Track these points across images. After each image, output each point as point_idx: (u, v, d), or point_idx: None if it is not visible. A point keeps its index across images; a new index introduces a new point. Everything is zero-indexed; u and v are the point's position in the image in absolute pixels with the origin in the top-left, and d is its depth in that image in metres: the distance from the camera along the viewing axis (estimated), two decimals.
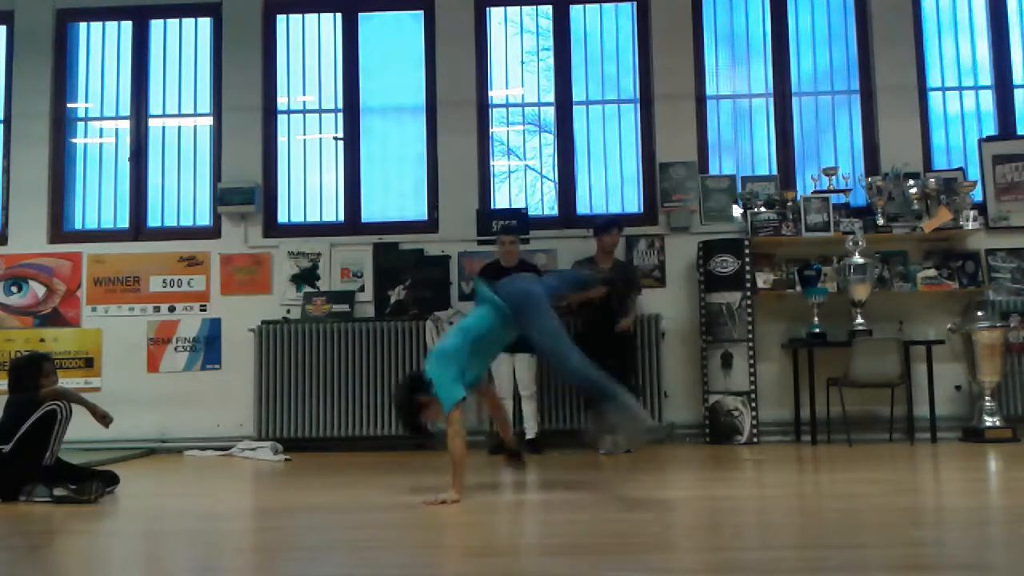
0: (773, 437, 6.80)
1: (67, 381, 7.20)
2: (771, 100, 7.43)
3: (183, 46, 7.65)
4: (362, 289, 7.25)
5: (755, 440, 6.59)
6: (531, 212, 7.32)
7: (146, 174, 7.54)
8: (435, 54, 7.45)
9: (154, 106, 7.62)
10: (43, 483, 4.43)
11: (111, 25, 7.70)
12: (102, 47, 7.71)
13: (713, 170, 7.32)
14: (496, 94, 7.57)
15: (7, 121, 7.54)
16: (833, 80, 7.45)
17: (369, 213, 7.47)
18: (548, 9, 7.58)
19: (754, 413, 6.63)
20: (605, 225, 6.64)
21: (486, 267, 6.68)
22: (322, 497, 4.60)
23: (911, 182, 6.97)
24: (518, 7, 7.62)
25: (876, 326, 6.67)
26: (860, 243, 6.57)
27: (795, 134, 7.39)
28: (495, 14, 7.58)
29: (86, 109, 7.70)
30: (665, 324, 6.98)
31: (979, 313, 6.62)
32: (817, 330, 6.68)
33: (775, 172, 7.31)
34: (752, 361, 6.68)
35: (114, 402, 7.01)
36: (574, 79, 7.48)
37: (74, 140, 7.66)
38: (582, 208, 7.37)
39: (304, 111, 7.62)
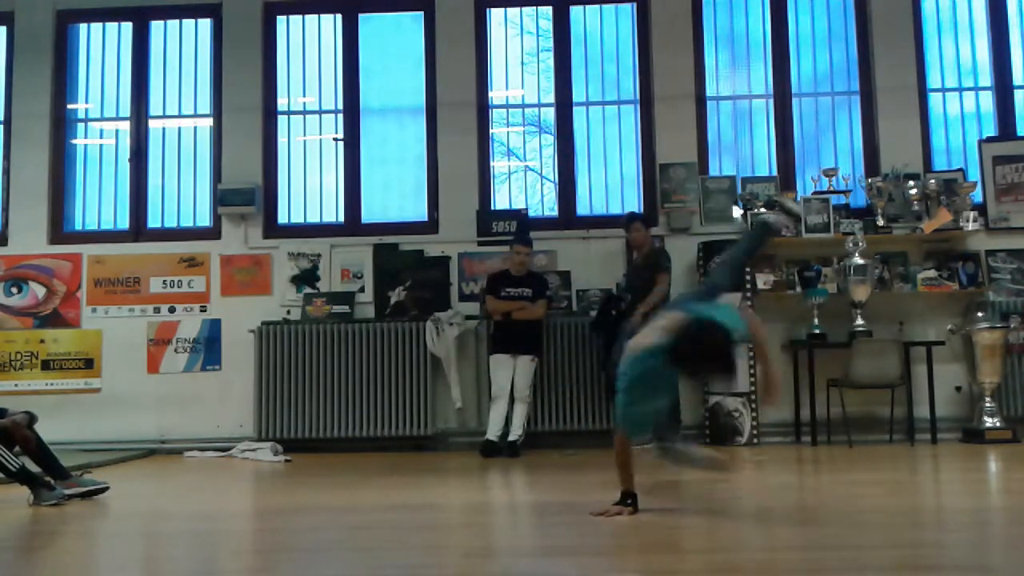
0: (773, 438, 6.80)
1: (67, 382, 7.24)
2: (771, 101, 7.42)
3: (183, 47, 7.64)
4: (362, 290, 7.24)
5: (755, 441, 6.59)
6: (531, 213, 7.31)
7: (146, 175, 7.53)
8: (435, 55, 7.44)
9: (154, 107, 7.61)
10: (43, 487, 4.41)
11: (111, 26, 7.69)
12: (102, 48, 7.70)
13: (713, 171, 7.31)
14: (496, 95, 7.56)
15: (7, 122, 7.53)
16: (833, 81, 7.45)
17: (369, 214, 7.46)
18: (548, 10, 7.57)
19: (754, 414, 6.63)
20: (624, 222, 6.70)
21: (495, 275, 6.67)
22: (322, 497, 4.60)
23: (911, 183, 6.97)
24: (518, 8, 7.61)
25: (876, 327, 6.67)
26: (860, 244, 6.57)
27: (795, 135, 7.38)
28: (495, 15, 7.57)
29: (86, 110, 7.70)
30: None
31: (979, 314, 6.61)
32: (817, 331, 6.68)
33: (775, 173, 7.30)
34: (752, 362, 6.67)
35: (114, 403, 7.13)
36: (574, 80, 7.47)
37: (74, 141, 7.64)
38: (582, 209, 7.37)
39: (304, 112, 7.61)
